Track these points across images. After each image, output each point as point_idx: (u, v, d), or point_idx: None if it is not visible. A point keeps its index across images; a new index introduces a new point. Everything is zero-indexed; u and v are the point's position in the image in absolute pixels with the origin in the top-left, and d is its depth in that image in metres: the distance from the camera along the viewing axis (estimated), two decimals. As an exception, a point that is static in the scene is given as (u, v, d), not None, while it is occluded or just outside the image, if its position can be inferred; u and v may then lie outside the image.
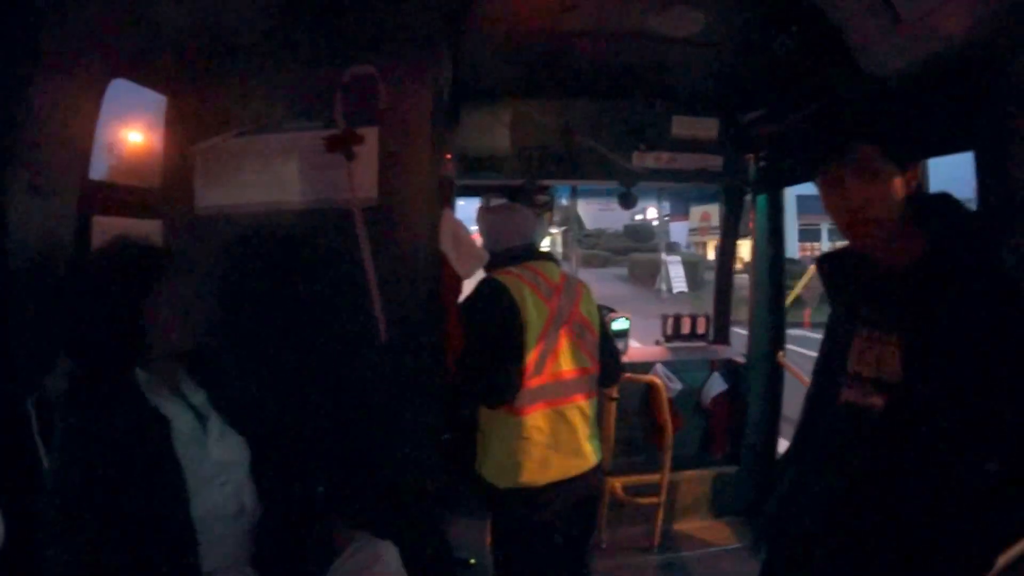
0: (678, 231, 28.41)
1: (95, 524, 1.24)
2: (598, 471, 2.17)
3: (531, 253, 2.19)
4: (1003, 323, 1.10)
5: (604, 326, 2.28)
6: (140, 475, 1.28)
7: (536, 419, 2.02)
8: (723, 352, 3.67)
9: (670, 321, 3.71)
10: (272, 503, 1.56)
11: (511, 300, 2.01)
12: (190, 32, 1.77)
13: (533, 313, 2.03)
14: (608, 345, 2.29)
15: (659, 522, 3.21)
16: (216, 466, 1.44)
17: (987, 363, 1.10)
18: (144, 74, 1.87)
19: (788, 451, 1.66)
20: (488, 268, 2.19)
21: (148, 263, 1.42)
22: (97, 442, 1.27)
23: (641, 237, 30.05)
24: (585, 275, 3.96)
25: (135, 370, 1.38)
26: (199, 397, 1.51)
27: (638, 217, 30.59)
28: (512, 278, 2.07)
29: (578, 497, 2.09)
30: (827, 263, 1.50)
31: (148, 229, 1.87)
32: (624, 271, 25.26)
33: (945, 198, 1.30)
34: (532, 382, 2.01)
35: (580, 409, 2.11)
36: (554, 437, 2.04)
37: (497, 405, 2.03)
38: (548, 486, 2.01)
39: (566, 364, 2.08)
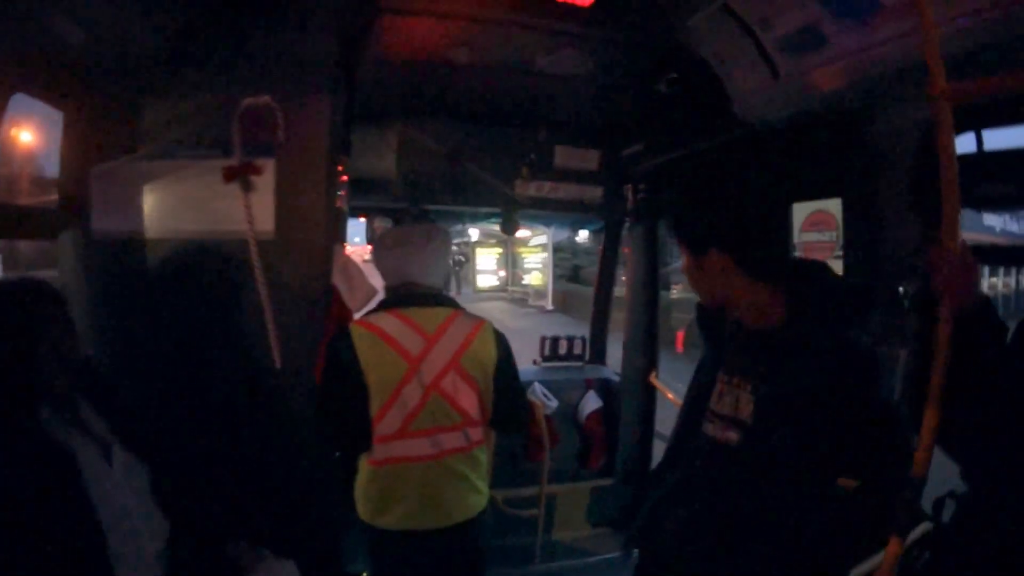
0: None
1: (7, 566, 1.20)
2: (471, 526, 2.04)
3: (409, 297, 2.04)
4: (839, 389, 1.31)
5: (505, 373, 2.08)
6: (50, 514, 1.25)
7: (391, 472, 1.95)
8: (599, 372, 3.78)
9: (547, 342, 3.76)
10: (177, 528, 1.56)
11: (352, 354, 1.92)
12: (89, 49, 1.69)
13: (379, 370, 1.92)
14: (508, 394, 2.11)
15: (540, 533, 3.27)
16: (123, 493, 1.43)
17: (824, 419, 1.31)
18: (44, 89, 1.79)
19: (656, 470, 1.78)
20: (376, 307, 2.10)
21: (39, 310, 1.39)
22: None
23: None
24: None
25: (38, 408, 1.34)
26: (101, 426, 1.47)
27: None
28: (364, 329, 1.96)
29: (445, 550, 2.01)
30: (702, 309, 1.66)
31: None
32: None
33: (814, 267, 1.53)
34: (384, 439, 1.93)
35: (447, 466, 1.98)
36: (410, 491, 1.95)
37: (341, 451, 2.05)
38: (401, 533, 1.96)
39: (430, 422, 1.95)
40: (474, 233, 19.84)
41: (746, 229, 1.45)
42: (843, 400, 1.31)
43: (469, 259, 20.95)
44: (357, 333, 1.95)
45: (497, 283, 21.64)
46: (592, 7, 2.05)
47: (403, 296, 2.04)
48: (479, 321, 2.08)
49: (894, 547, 1.11)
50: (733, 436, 1.41)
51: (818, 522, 1.38)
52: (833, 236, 2.20)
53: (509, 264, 21.61)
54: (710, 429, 1.48)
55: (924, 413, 1.10)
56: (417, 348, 1.95)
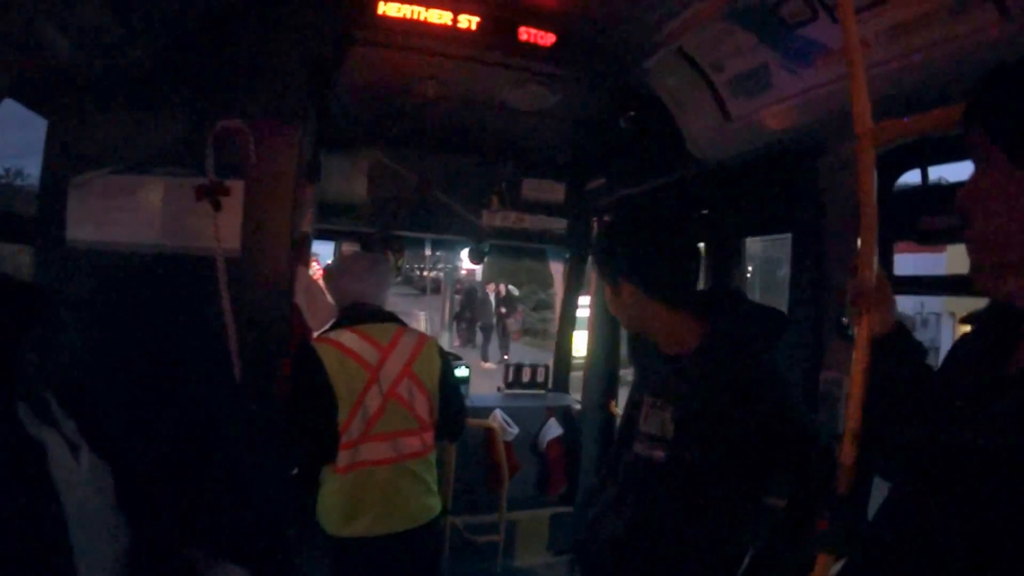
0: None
1: None
2: (431, 528, 2.23)
3: (362, 315, 2.24)
4: (746, 410, 1.39)
5: (447, 382, 2.32)
6: (18, 504, 1.24)
7: (357, 477, 2.09)
8: (560, 399, 3.82)
9: (511, 370, 3.81)
10: (137, 533, 1.55)
11: (319, 367, 2.08)
12: (75, 60, 1.74)
13: (345, 380, 2.09)
14: (451, 401, 2.33)
15: (499, 559, 3.29)
16: (88, 493, 1.42)
17: (734, 439, 1.39)
18: (31, 96, 1.85)
19: (592, 487, 1.86)
20: (332, 325, 2.27)
21: (25, 303, 1.40)
22: None
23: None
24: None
25: (15, 401, 1.33)
26: (70, 426, 1.46)
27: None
28: (327, 346, 2.13)
29: (408, 553, 2.17)
30: (632, 335, 1.77)
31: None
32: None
33: (730, 295, 1.65)
34: (350, 444, 2.09)
35: (407, 469, 2.16)
36: (375, 495, 2.10)
37: (308, 461, 2.19)
38: (369, 539, 2.09)
39: (390, 426, 2.13)
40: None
41: (652, 261, 1.53)
42: (751, 420, 1.38)
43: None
44: (322, 349, 2.12)
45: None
46: (553, 46, 2.15)
47: (356, 314, 2.25)
48: (422, 335, 2.35)
49: (820, 567, 1.14)
50: (659, 454, 1.48)
51: (747, 538, 1.49)
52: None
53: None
54: (639, 448, 1.55)
55: (844, 437, 1.15)
56: (374, 358, 2.15)
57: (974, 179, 0.85)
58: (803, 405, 1.52)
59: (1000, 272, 0.83)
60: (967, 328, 1.00)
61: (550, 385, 3.87)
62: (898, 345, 1.14)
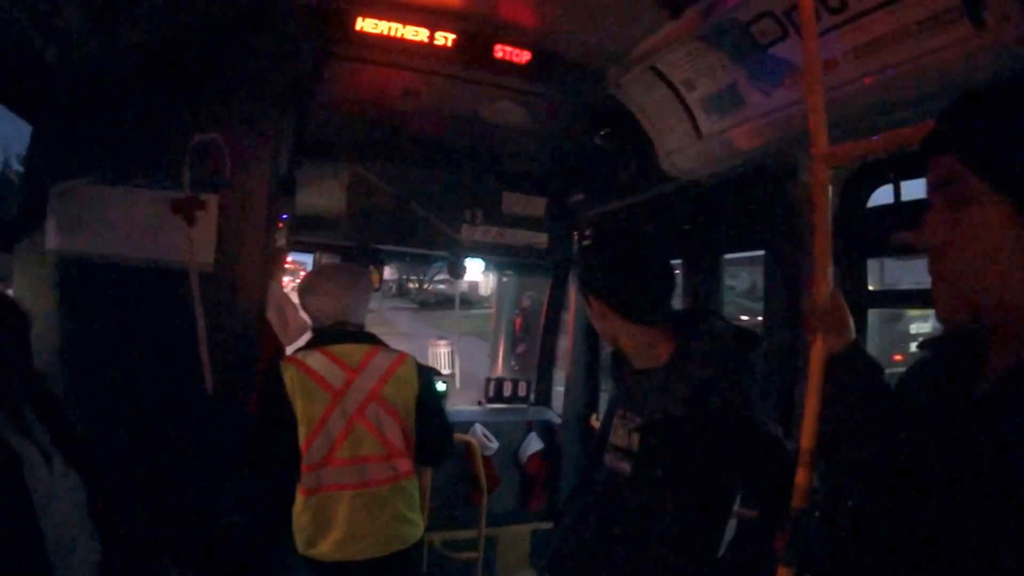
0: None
1: None
2: (405, 556, 2.11)
3: (334, 335, 2.15)
4: (707, 424, 1.42)
5: (426, 405, 2.19)
6: None
7: (320, 501, 2.03)
8: (541, 414, 3.81)
9: (492, 384, 3.79)
10: (110, 545, 1.56)
11: (281, 387, 2.03)
12: (62, 66, 1.79)
13: (304, 401, 2.02)
14: (428, 424, 2.19)
15: None
16: (61, 503, 1.43)
17: (694, 451, 1.42)
18: (17, 101, 1.87)
19: (567, 498, 1.91)
20: (305, 344, 2.20)
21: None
22: None
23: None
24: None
25: None
26: (44, 436, 1.48)
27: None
28: (290, 365, 2.07)
29: None
30: (615, 351, 1.78)
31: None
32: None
33: (702, 312, 1.69)
34: (311, 467, 2.02)
35: (375, 495, 2.06)
36: (338, 521, 2.02)
37: (273, 478, 2.15)
38: (335, 564, 2.02)
39: (356, 451, 2.04)
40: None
41: (617, 280, 1.55)
42: (709, 432, 1.42)
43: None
44: (284, 368, 2.06)
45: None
46: (529, 64, 2.17)
47: (329, 334, 2.16)
48: (401, 355, 2.20)
49: None
50: (626, 467, 1.52)
51: (712, 551, 1.51)
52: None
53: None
54: (609, 460, 1.59)
55: (799, 453, 1.16)
56: (339, 381, 2.06)
57: (952, 215, 0.79)
58: (767, 418, 1.51)
59: (974, 313, 0.80)
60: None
61: (532, 399, 3.86)
62: (852, 363, 1.15)
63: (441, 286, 27.89)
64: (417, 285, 30.12)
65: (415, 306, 27.94)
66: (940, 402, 0.88)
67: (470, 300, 27.14)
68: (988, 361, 0.83)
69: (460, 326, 15.93)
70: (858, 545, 0.92)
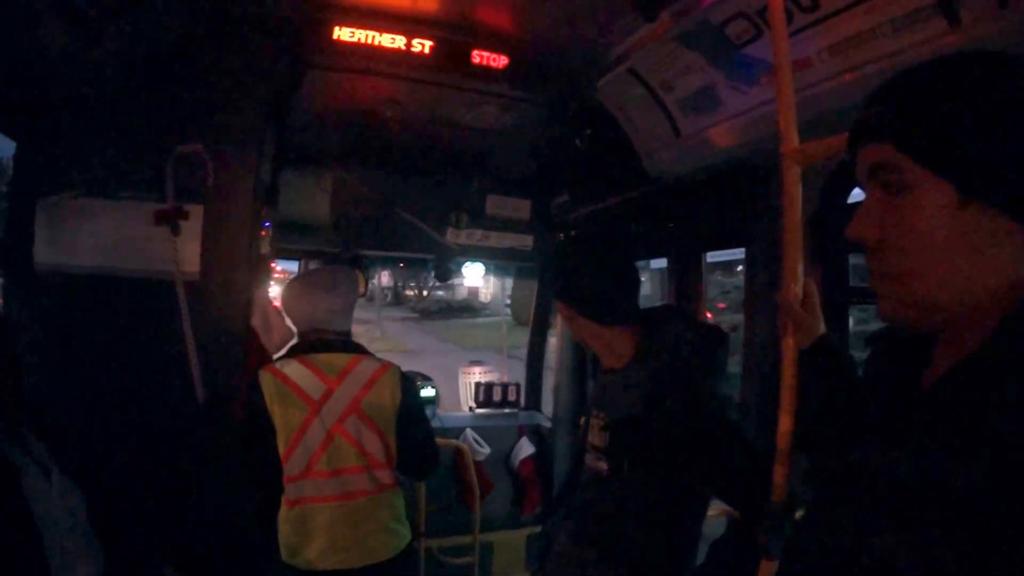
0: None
1: None
2: (394, 563, 2.08)
3: (316, 344, 2.11)
4: (671, 421, 1.43)
5: (408, 417, 2.13)
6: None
7: (302, 512, 2.00)
8: (531, 418, 3.82)
9: (482, 389, 3.81)
10: (111, 553, 1.58)
11: (260, 397, 2.00)
12: (44, 80, 1.79)
13: (282, 412, 1.99)
14: (409, 437, 2.13)
15: None
16: (60, 515, 1.45)
17: (660, 449, 1.44)
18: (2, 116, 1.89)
19: (557, 497, 1.93)
20: (287, 352, 2.17)
21: None
22: None
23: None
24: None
25: None
26: (40, 449, 1.49)
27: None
28: (269, 375, 2.02)
29: None
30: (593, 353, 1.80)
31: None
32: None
33: (669, 312, 1.71)
34: (292, 478, 2.00)
35: (358, 506, 2.02)
36: (320, 532, 1.99)
37: (258, 486, 2.12)
38: (322, 573, 1.98)
39: (336, 463, 2.01)
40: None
41: (577, 281, 1.57)
42: (670, 432, 1.42)
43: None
44: (263, 378, 2.02)
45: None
46: (506, 68, 2.19)
47: (311, 343, 2.11)
48: (384, 365, 2.13)
49: (764, 571, 1.16)
50: (603, 466, 1.54)
51: (687, 548, 1.54)
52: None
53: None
54: (589, 460, 1.61)
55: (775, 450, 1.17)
56: (318, 392, 2.01)
57: (888, 207, 0.72)
58: (732, 417, 1.55)
59: (920, 310, 0.73)
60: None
61: (522, 403, 3.86)
62: (821, 358, 1.16)
63: (440, 293, 27.35)
64: (415, 292, 29.64)
65: (415, 315, 26.83)
66: (890, 397, 0.83)
67: (473, 308, 26.75)
68: (935, 356, 0.78)
69: (471, 336, 15.17)
70: (816, 549, 0.86)
